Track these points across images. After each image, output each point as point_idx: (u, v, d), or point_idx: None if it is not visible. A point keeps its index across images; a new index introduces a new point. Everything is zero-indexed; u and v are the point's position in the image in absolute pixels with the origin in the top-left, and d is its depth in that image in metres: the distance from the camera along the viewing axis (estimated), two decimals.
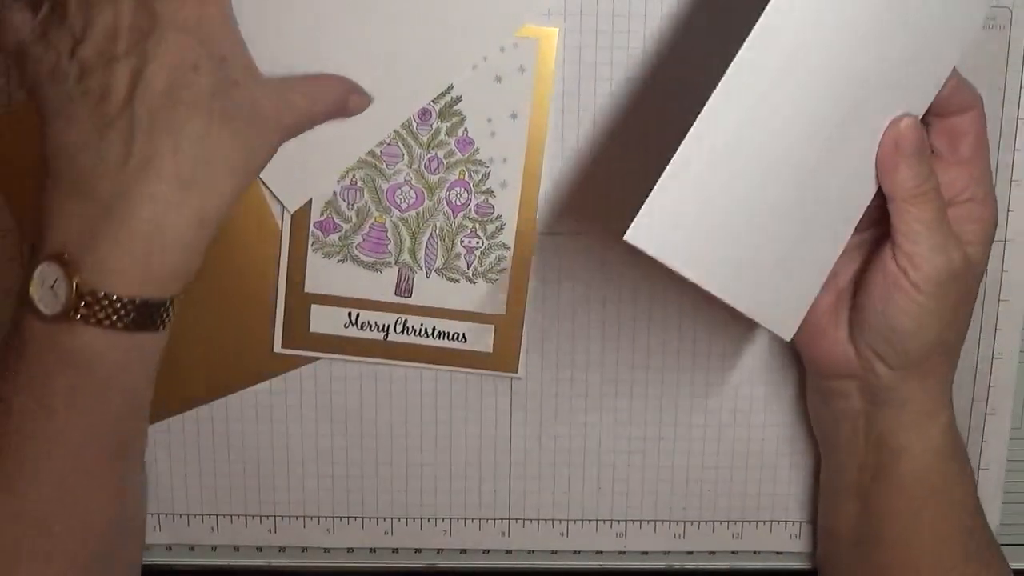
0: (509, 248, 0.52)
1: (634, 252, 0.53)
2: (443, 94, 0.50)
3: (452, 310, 0.53)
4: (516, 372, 0.54)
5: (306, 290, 0.53)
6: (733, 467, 0.56)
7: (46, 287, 0.42)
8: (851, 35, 0.42)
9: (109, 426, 0.44)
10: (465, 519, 0.57)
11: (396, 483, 0.56)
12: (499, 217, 0.52)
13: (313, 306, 0.53)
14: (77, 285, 0.41)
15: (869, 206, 0.47)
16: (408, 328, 0.53)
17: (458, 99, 0.51)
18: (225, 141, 0.43)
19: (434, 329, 0.53)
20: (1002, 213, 0.53)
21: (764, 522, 0.56)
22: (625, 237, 0.41)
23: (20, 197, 0.53)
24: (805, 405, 0.55)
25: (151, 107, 0.41)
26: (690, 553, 0.57)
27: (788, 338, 0.46)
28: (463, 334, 0.53)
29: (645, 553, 0.57)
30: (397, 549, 0.57)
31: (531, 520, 0.57)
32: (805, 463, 0.56)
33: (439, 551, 0.57)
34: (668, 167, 0.41)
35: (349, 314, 0.53)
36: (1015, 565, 0.56)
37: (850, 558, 0.52)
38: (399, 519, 0.57)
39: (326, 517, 0.57)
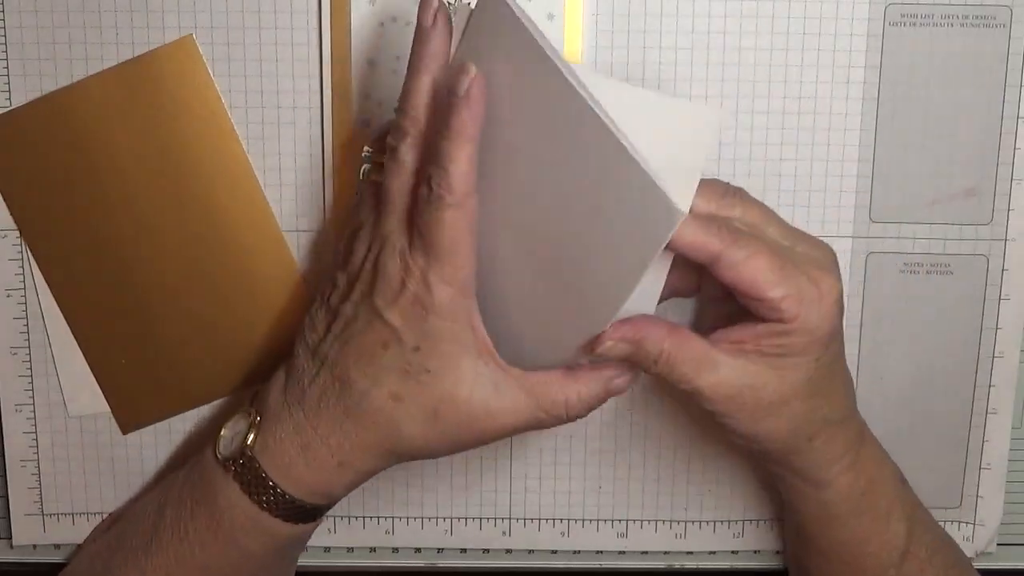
0: None
1: None
2: None
3: None
4: None
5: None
6: (733, 467, 0.56)
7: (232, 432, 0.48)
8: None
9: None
10: (465, 519, 0.57)
11: (396, 483, 0.56)
12: None
13: None
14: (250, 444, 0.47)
15: None
16: None
17: None
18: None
19: None
20: (1002, 213, 0.53)
21: (765, 521, 0.56)
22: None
23: (20, 197, 0.53)
24: None
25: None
26: (690, 553, 0.57)
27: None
28: None
29: (645, 553, 0.57)
30: (397, 549, 0.57)
31: (531, 520, 0.57)
32: None
33: (439, 551, 0.57)
34: None
35: None
36: (1015, 565, 0.56)
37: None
38: (399, 519, 0.57)
39: (326, 517, 0.56)
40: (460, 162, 0.42)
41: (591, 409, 0.46)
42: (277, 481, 0.46)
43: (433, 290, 0.43)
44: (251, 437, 0.47)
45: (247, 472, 0.46)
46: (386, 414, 0.44)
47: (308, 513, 0.47)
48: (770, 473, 0.51)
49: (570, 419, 0.46)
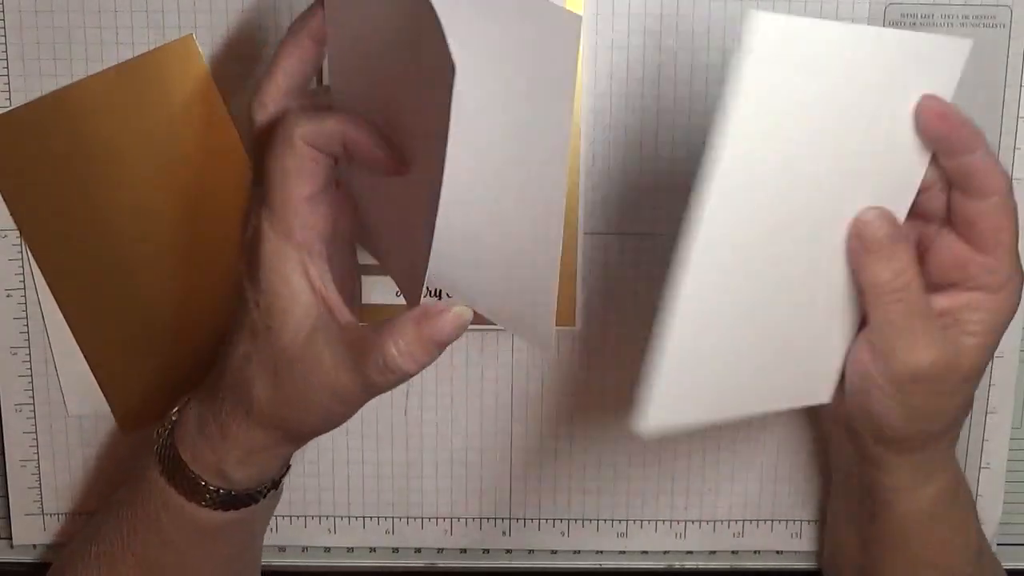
0: None
1: (644, 257, 0.53)
2: None
3: None
4: (574, 324, 0.53)
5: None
6: (733, 467, 0.56)
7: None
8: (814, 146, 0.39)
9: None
10: (465, 519, 0.57)
11: (396, 483, 0.56)
12: None
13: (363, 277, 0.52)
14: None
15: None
16: None
17: None
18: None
19: None
20: None
21: (764, 521, 0.56)
22: (638, 430, 0.39)
23: (20, 197, 0.53)
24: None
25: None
26: (690, 553, 0.57)
27: (828, 400, 0.45)
28: None
29: (645, 553, 0.57)
30: (397, 549, 0.57)
31: (531, 520, 0.57)
32: (805, 463, 0.56)
33: (439, 551, 0.57)
34: (659, 347, 0.39)
35: None
36: (1015, 565, 0.56)
37: None
38: (399, 519, 0.57)
39: (326, 517, 0.56)
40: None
41: (420, 363, 0.41)
42: (183, 456, 0.46)
43: (263, 235, 0.42)
44: (175, 411, 0.47)
45: (165, 447, 0.46)
46: (242, 375, 0.44)
47: (217, 498, 0.46)
48: (863, 476, 0.48)
49: (396, 375, 0.41)
